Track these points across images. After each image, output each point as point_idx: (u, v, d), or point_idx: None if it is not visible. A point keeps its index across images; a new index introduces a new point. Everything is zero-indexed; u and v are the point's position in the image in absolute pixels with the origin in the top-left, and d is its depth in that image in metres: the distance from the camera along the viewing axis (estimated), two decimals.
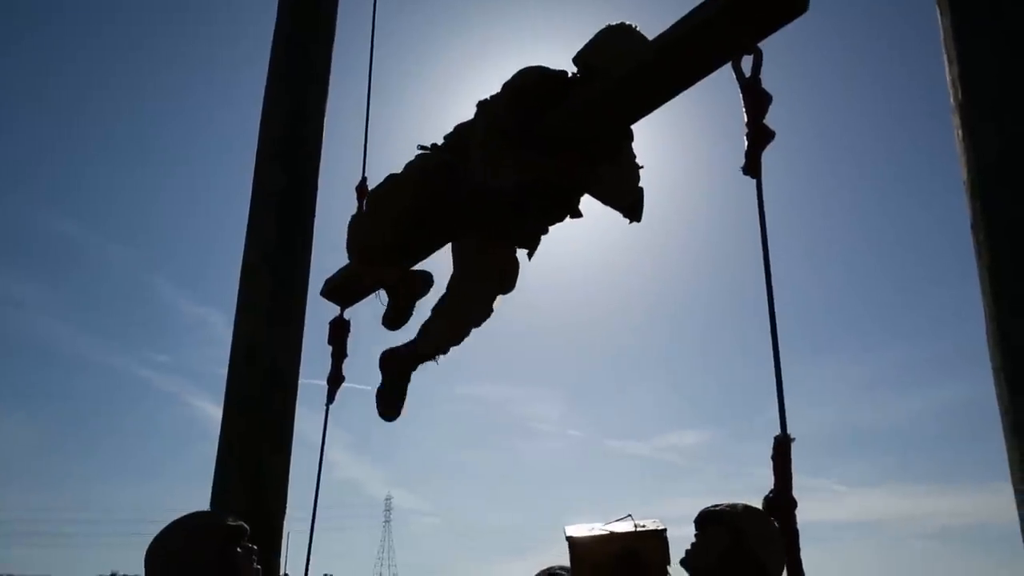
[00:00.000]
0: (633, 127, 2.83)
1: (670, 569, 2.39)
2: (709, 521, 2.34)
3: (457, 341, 3.17)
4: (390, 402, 3.20)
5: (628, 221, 2.80)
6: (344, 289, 3.55)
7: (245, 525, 2.03)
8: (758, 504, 2.30)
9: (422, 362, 3.21)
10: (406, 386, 3.22)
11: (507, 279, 3.05)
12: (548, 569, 2.74)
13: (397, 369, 3.21)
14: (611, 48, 2.82)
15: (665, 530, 2.36)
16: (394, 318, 3.31)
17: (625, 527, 2.41)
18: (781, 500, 1.79)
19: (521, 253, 3.02)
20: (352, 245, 3.20)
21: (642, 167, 2.87)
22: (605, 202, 2.91)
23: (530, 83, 2.82)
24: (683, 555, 2.37)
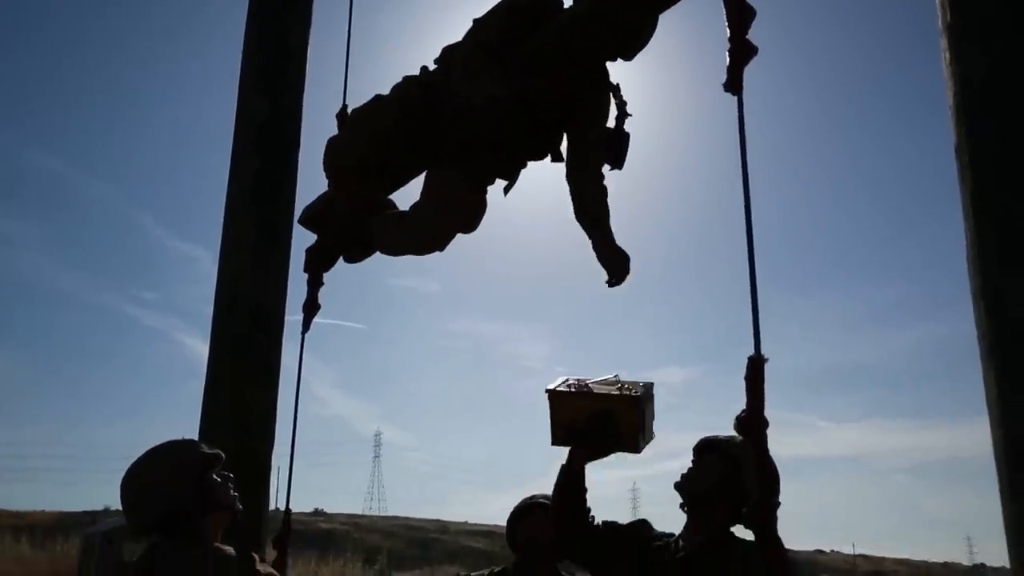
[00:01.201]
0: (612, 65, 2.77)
1: (643, 439, 2.40)
2: (707, 450, 2.38)
3: (392, 254, 3.17)
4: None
5: (609, 168, 2.75)
6: (323, 217, 3.51)
7: (221, 453, 2.03)
8: None
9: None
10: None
11: (471, 218, 3.00)
12: (530, 497, 2.79)
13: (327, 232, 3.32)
14: None
15: (640, 398, 2.37)
16: (358, 251, 3.32)
17: (606, 388, 2.42)
18: (753, 419, 1.78)
19: (497, 190, 2.97)
20: (329, 163, 3.16)
21: (630, 115, 2.79)
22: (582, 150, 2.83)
23: (526, 4, 2.77)
24: (677, 480, 2.41)
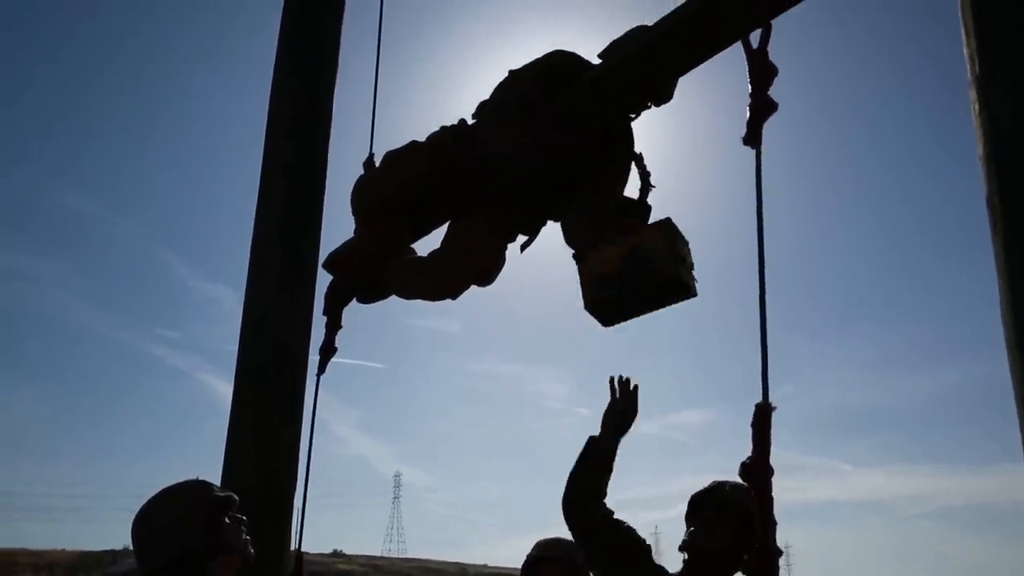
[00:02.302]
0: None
1: (686, 271, 2.38)
2: (715, 507, 2.32)
3: (405, 296, 3.18)
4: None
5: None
6: (346, 261, 3.54)
7: (234, 495, 2.01)
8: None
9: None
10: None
11: (488, 271, 3.00)
12: (543, 542, 2.75)
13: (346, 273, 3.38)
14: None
15: (666, 221, 2.37)
16: (372, 292, 3.35)
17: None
18: (758, 467, 1.79)
19: (515, 246, 2.97)
20: (358, 200, 3.19)
21: (653, 187, 2.76)
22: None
23: (562, 63, 2.79)
24: (682, 541, 2.35)
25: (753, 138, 2.03)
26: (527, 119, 2.71)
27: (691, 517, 2.38)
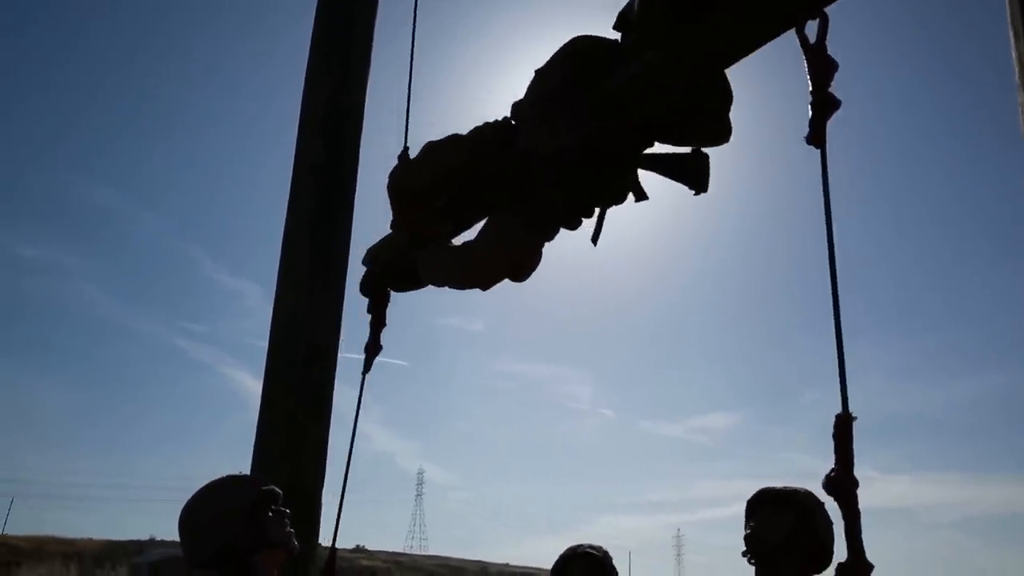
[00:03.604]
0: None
1: None
2: (772, 501, 2.28)
3: (434, 282, 3.15)
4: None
5: (694, 192, 2.67)
6: (384, 253, 3.52)
7: (277, 489, 2.02)
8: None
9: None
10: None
11: (522, 266, 2.97)
12: (576, 546, 2.73)
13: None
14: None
15: None
16: (405, 280, 3.33)
17: None
18: (842, 479, 1.71)
19: (572, 242, 2.92)
20: (393, 185, 3.17)
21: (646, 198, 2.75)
22: (669, 174, 2.75)
23: (583, 47, 2.76)
24: (744, 546, 2.30)
25: (817, 137, 1.95)
26: (560, 115, 2.68)
27: (748, 520, 2.33)
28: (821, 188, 1.91)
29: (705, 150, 2.64)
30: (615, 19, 2.76)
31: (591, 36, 2.81)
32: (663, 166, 2.70)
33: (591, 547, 2.64)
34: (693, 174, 2.64)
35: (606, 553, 2.64)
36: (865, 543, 1.67)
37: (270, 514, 1.97)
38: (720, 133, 2.61)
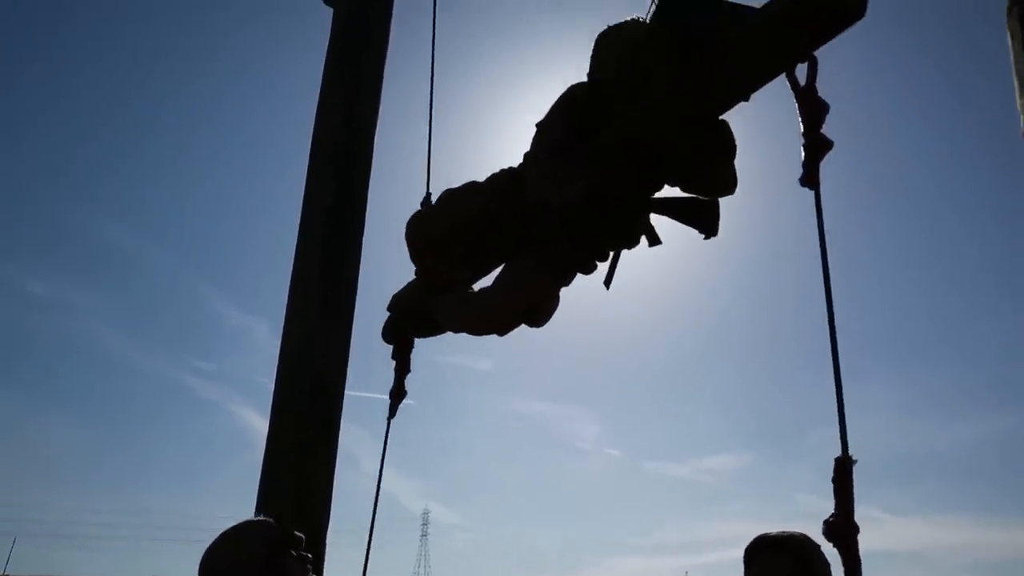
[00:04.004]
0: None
1: None
2: (770, 547, 2.26)
3: (451, 328, 3.16)
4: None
5: (704, 237, 2.69)
6: (408, 302, 3.54)
7: (300, 534, 1.96)
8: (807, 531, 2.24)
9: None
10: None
11: (539, 311, 2.98)
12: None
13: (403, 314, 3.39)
14: (612, 54, 2.78)
15: None
16: (425, 327, 3.35)
17: None
18: (843, 525, 1.69)
19: (581, 283, 2.93)
20: (411, 233, 3.20)
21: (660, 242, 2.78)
22: (681, 219, 2.76)
23: (579, 94, 2.80)
24: None
25: (811, 179, 1.97)
26: (563, 166, 2.71)
27: (748, 568, 2.32)
28: (816, 220, 1.93)
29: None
30: (588, 86, 2.81)
31: (585, 83, 2.86)
32: (674, 210, 2.73)
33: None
34: (704, 218, 2.67)
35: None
36: None
37: (291, 559, 1.89)
38: (725, 184, 2.64)
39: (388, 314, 3.58)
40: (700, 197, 2.68)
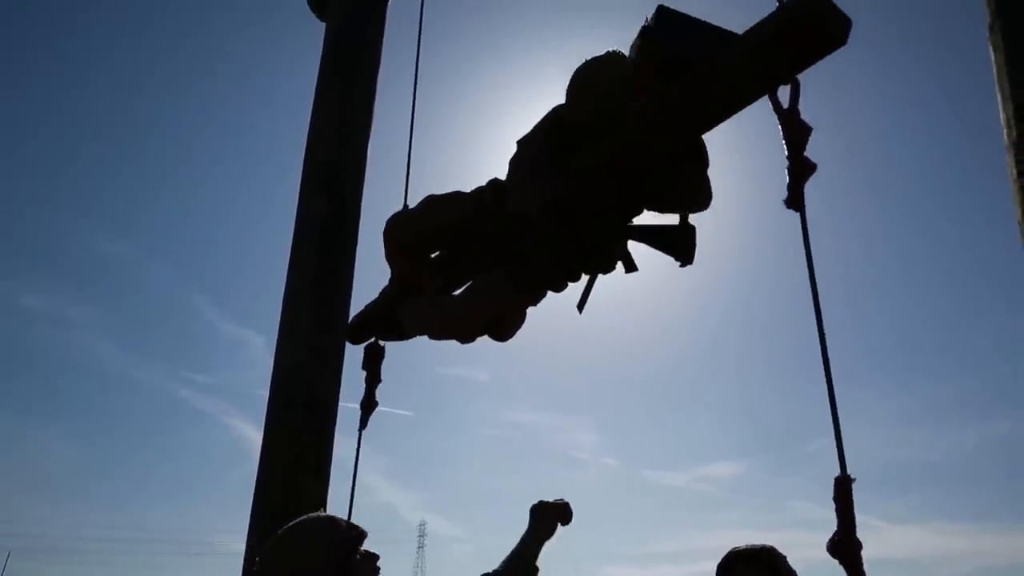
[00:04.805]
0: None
1: None
2: (745, 560, 2.31)
3: (414, 332, 3.17)
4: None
5: (680, 264, 2.70)
6: (370, 320, 3.53)
7: (364, 531, 1.84)
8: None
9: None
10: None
11: (503, 327, 2.97)
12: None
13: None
14: (592, 90, 2.77)
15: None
16: (392, 330, 3.35)
17: None
18: (846, 542, 1.72)
19: (576, 294, 2.93)
20: (389, 232, 3.21)
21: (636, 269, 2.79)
22: (653, 244, 2.78)
23: (563, 116, 2.81)
24: None
25: (795, 201, 1.98)
26: (541, 176, 2.72)
27: None
28: (803, 240, 1.96)
29: (694, 219, 2.69)
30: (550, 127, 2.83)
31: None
32: (649, 237, 2.75)
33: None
34: (679, 246, 2.68)
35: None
36: None
37: (359, 558, 1.79)
38: (700, 197, 2.65)
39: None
40: (676, 224, 2.69)
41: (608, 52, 2.69)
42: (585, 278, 2.85)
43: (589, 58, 2.67)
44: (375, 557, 1.84)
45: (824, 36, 2.03)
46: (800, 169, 1.99)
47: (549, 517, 2.48)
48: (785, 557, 2.30)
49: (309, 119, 4.31)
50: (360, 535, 1.82)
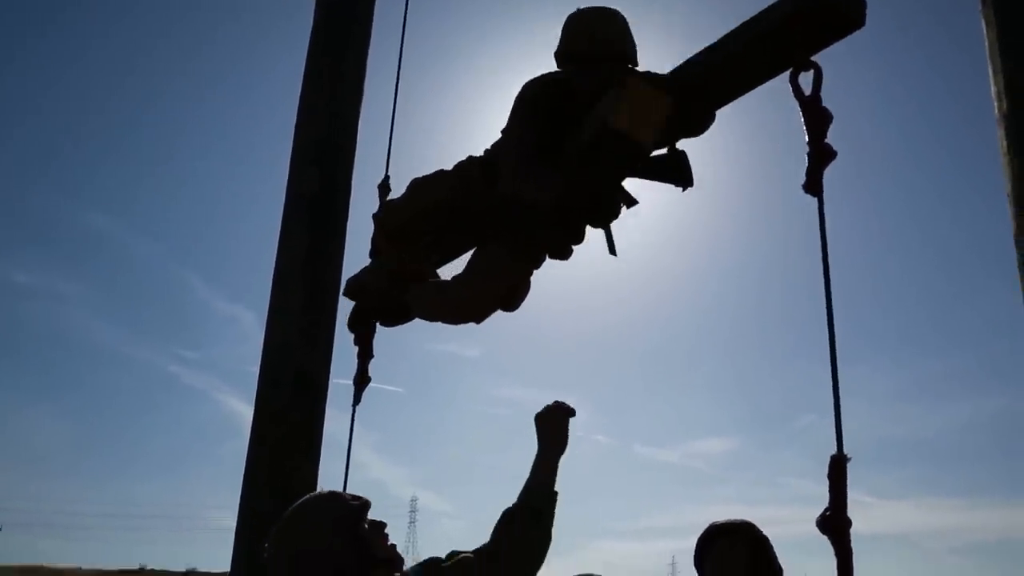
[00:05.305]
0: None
1: None
2: (726, 534, 2.34)
3: (428, 319, 3.16)
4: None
5: (681, 189, 2.69)
6: (366, 287, 3.53)
7: (368, 500, 1.83)
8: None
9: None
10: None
11: (512, 297, 2.98)
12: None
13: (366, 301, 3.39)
14: (590, 33, 2.79)
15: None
16: (394, 315, 3.34)
17: None
18: (837, 520, 1.76)
19: (567, 269, 2.94)
20: (381, 224, 3.21)
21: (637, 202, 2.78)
22: (652, 177, 2.74)
23: (533, 93, 2.80)
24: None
25: (813, 187, 2.00)
26: (546, 169, 2.70)
27: (705, 556, 2.37)
28: (819, 225, 1.99)
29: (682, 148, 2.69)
30: (540, 84, 2.81)
31: (538, 79, 2.85)
32: (644, 172, 2.73)
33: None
34: (675, 172, 2.67)
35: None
36: (864, 571, 1.73)
37: (366, 526, 1.79)
38: (706, 122, 2.64)
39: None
40: (666, 152, 2.68)
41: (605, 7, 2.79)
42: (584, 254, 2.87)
43: (587, 8, 2.77)
44: (383, 525, 1.83)
45: (843, 17, 2.05)
46: (820, 155, 2.02)
47: (556, 422, 2.23)
48: (766, 537, 2.33)
49: (299, 93, 4.27)
50: (364, 505, 1.81)
